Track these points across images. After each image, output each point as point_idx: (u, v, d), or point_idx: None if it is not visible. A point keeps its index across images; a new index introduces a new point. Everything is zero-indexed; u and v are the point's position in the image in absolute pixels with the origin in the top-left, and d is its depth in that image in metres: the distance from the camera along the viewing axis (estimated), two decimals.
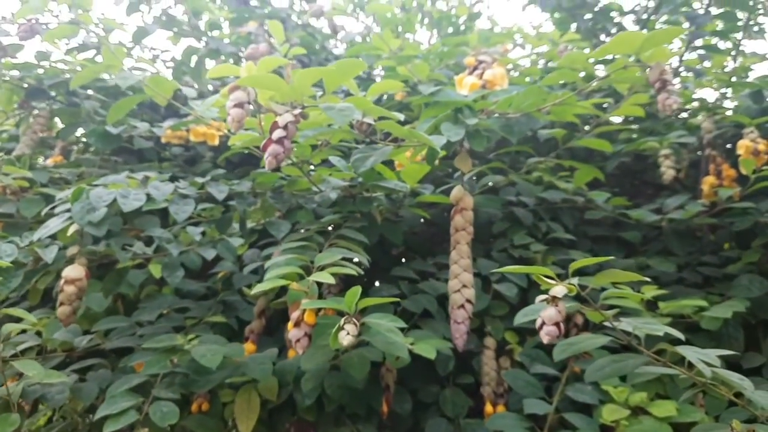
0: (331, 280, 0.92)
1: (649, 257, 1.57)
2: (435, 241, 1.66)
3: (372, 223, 1.36)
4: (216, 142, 1.68)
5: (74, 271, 1.04)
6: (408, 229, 1.60)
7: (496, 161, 1.57)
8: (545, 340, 0.75)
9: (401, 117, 0.93)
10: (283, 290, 1.43)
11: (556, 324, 0.75)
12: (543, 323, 0.75)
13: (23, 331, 1.26)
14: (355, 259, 1.18)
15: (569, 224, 1.67)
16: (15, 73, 1.74)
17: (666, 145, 1.68)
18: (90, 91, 1.79)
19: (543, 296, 0.78)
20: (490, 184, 1.60)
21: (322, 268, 0.98)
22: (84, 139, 2.08)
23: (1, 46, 1.47)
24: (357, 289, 0.89)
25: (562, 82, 1.13)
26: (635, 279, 0.77)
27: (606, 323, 0.90)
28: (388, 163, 1.36)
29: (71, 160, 1.75)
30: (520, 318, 0.87)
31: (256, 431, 1.21)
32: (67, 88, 1.66)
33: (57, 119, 1.94)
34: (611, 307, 0.98)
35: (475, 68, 1.26)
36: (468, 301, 1.07)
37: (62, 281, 1.04)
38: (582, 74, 1.30)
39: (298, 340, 0.88)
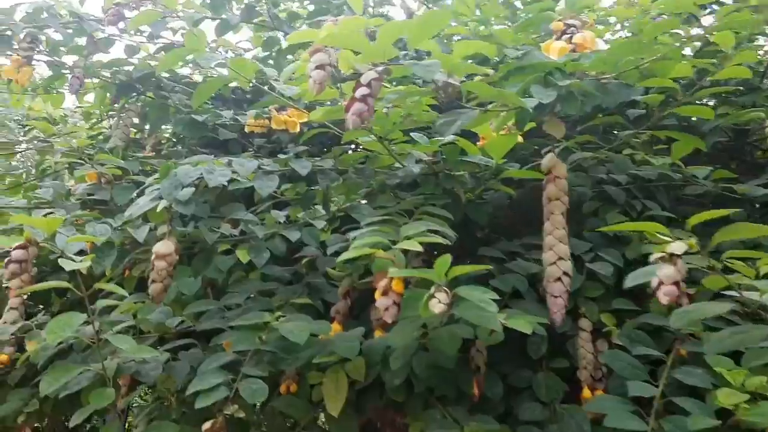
0: (418, 248, 0.89)
1: None
2: (520, 224, 1.59)
3: (456, 202, 1.32)
4: (297, 130, 1.69)
5: (164, 246, 1.06)
6: (492, 211, 1.55)
7: (585, 135, 1.48)
8: (664, 300, 0.68)
9: (490, 71, 0.88)
10: (368, 272, 1.42)
11: (675, 283, 0.68)
12: (661, 283, 0.68)
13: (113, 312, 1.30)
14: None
15: (665, 203, 1.56)
16: (106, 74, 1.82)
17: None
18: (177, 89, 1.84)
19: (659, 254, 0.71)
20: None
21: (408, 239, 0.95)
22: (173, 138, 2.16)
23: (92, 40, 1.53)
24: (447, 258, 0.85)
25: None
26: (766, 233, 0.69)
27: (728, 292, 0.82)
28: (472, 140, 1.31)
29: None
30: (632, 281, 0.80)
31: (343, 412, 1.19)
32: (156, 83, 1.71)
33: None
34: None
35: (563, 33, 1.19)
36: (565, 273, 1.00)
37: (153, 256, 1.06)
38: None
39: (386, 309, 0.85)
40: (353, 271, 1.35)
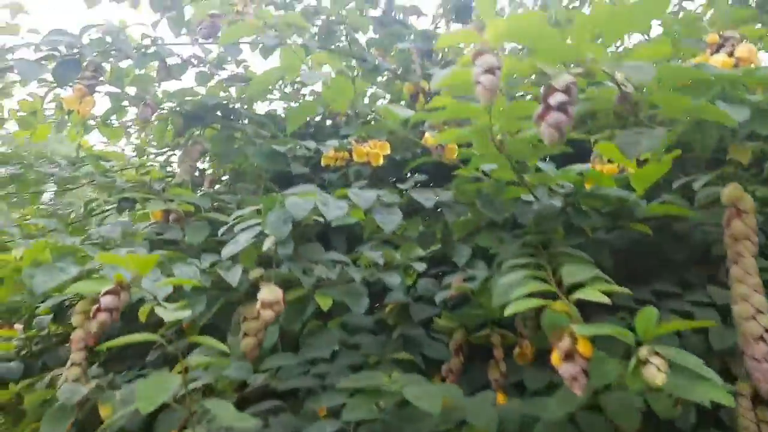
0: (605, 300, 0.70)
1: None
2: (641, 268, 1.39)
3: (587, 242, 1.14)
4: (380, 163, 1.53)
5: (271, 293, 0.89)
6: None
7: (730, 166, 1.30)
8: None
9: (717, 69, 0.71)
10: (483, 325, 1.23)
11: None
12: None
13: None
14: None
15: None
16: (169, 104, 1.70)
17: None
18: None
19: None
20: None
21: (574, 287, 0.77)
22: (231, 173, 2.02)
23: (164, 66, 1.40)
24: (651, 311, 0.67)
25: None
26: None
27: None
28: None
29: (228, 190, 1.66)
30: None
31: None
32: (226, 112, 1.58)
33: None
34: None
35: (720, 46, 1.03)
36: (767, 330, 0.81)
37: (258, 305, 0.89)
38: None
39: (574, 378, 0.66)
40: (465, 322, 1.17)
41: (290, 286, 1.22)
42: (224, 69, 1.79)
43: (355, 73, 1.63)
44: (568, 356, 0.68)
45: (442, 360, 1.25)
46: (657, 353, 0.63)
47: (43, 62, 1.32)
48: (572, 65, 0.65)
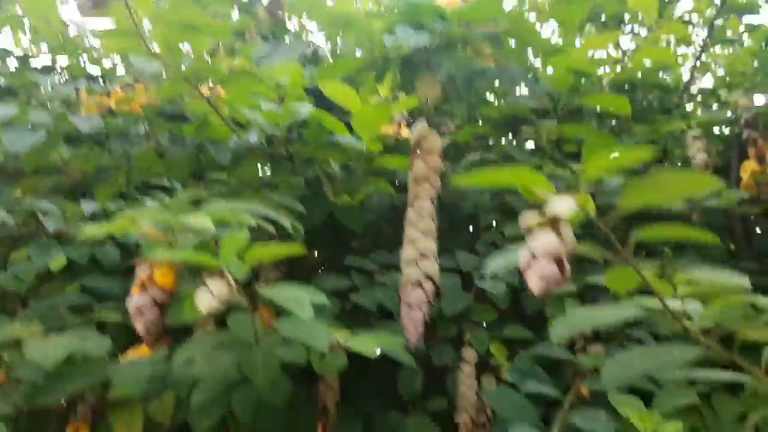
0: (209, 227, 0.60)
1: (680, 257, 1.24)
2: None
3: (322, 199, 1.05)
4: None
5: None
6: (374, 219, 1.28)
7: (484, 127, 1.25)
8: (536, 287, 0.41)
9: None
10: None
11: (558, 261, 0.41)
12: (532, 257, 0.41)
13: None
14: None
15: None
16: None
17: (696, 125, 1.38)
18: None
19: (533, 216, 0.44)
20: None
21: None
22: None
23: None
24: (241, 235, 0.57)
25: None
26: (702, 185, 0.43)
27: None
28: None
29: None
30: (498, 263, 0.53)
31: None
32: None
33: None
34: None
35: None
36: (428, 277, 0.73)
37: None
38: None
39: (139, 313, 0.55)
40: None
41: None
42: None
43: None
44: (142, 287, 0.56)
45: None
46: (224, 276, 0.53)
47: None
48: None
